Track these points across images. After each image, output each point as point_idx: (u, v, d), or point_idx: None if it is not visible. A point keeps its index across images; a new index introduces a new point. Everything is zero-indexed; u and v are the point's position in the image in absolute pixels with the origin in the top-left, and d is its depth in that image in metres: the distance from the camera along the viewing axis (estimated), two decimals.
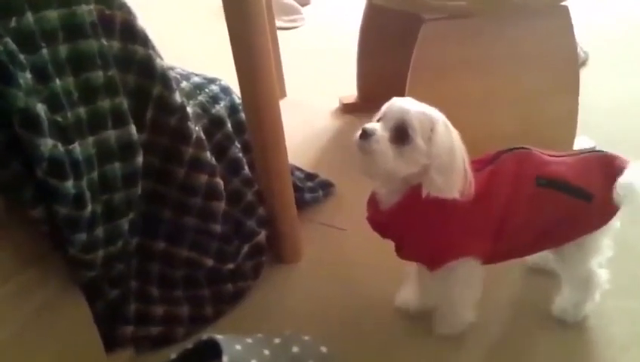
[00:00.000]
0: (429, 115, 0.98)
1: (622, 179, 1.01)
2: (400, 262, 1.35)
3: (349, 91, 2.13)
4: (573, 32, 1.63)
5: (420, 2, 1.57)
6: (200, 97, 1.30)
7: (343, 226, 1.54)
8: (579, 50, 2.10)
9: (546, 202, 1.05)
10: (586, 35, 2.38)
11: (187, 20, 3.16)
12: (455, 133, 1.00)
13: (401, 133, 0.97)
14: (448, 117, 1.55)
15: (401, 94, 1.62)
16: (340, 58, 2.27)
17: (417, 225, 1.04)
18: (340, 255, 1.45)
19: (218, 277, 1.28)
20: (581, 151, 1.11)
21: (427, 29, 1.56)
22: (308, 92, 2.28)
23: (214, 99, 1.33)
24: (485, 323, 1.19)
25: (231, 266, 1.28)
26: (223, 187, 1.25)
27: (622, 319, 1.19)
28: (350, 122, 2.08)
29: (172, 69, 1.27)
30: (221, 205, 1.24)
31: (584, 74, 2.09)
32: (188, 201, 1.20)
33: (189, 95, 1.28)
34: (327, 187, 1.66)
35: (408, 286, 1.24)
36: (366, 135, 0.97)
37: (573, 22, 1.60)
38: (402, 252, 1.12)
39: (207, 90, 1.34)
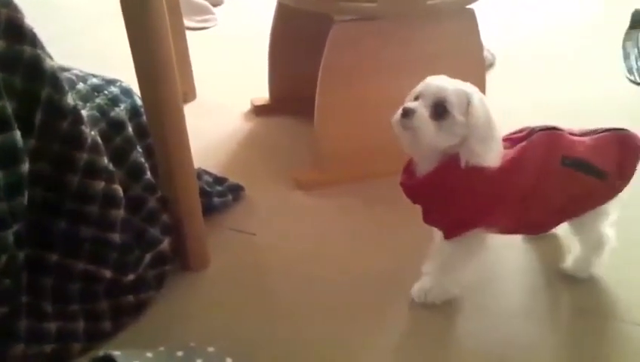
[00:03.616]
0: (464, 89, 1.07)
1: None
2: (313, 267, 1.35)
3: (262, 93, 2.10)
4: (479, 35, 1.67)
5: (329, 3, 1.56)
6: (98, 100, 1.24)
7: (252, 231, 1.50)
8: (486, 52, 2.15)
9: (568, 180, 1.14)
10: (494, 38, 2.45)
11: (89, 19, 3.03)
12: (489, 105, 1.08)
13: (440, 109, 1.05)
14: (358, 117, 1.57)
15: (313, 95, 1.62)
16: (252, 59, 2.23)
17: (448, 192, 1.12)
18: (250, 260, 1.42)
19: (117, 289, 1.21)
20: (600, 130, 1.20)
21: (337, 30, 1.56)
22: (219, 94, 2.23)
23: (114, 101, 1.27)
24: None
25: (131, 277, 1.22)
26: (122, 194, 1.19)
27: None
28: (262, 124, 2.04)
29: (66, 70, 1.20)
30: (120, 213, 1.18)
31: (491, 76, 2.15)
32: (83, 210, 1.13)
33: (86, 97, 1.22)
34: (236, 191, 1.62)
35: (424, 277, 1.27)
36: (408, 113, 1.05)
37: (480, 25, 1.63)
38: (429, 217, 1.19)
39: (106, 92, 1.27)
